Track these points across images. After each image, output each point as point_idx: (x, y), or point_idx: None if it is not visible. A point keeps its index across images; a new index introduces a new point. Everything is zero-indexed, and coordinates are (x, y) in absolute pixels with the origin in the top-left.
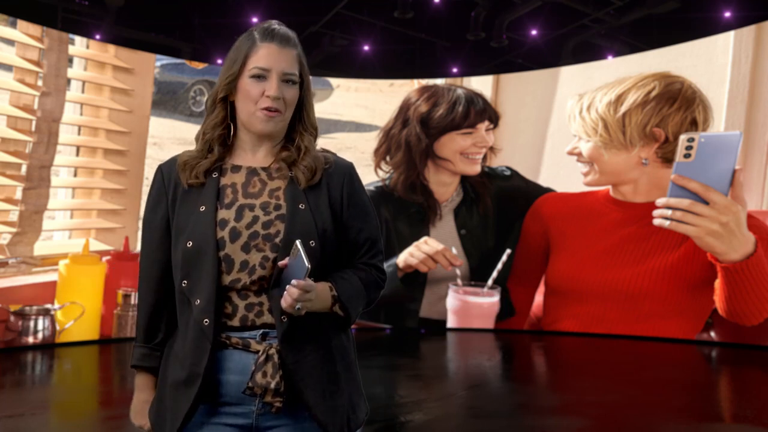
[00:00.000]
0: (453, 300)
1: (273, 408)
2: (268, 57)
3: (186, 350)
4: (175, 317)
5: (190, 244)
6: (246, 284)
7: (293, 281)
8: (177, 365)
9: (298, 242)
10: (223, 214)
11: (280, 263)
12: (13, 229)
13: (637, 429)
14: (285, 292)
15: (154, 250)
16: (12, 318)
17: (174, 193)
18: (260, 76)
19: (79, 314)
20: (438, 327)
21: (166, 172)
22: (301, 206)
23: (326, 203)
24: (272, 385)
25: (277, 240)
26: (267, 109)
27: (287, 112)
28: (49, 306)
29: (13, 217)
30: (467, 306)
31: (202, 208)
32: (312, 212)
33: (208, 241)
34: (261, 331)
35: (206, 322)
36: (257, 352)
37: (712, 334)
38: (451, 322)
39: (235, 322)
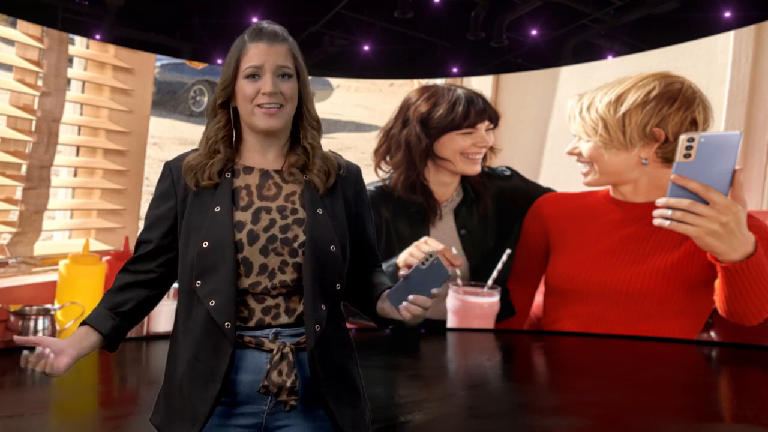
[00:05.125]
0: (453, 300)
1: (287, 407)
2: (258, 55)
3: (197, 350)
4: (147, 301)
5: (206, 244)
6: (267, 288)
7: (434, 290)
8: (185, 364)
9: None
10: (239, 216)
11: (401, 274)
12: (13, 229)
13: (637, 429)
14: (409, 303)
15: (155, 245)
16: (12, 318)
17: (185, 191)
18: (254, 75)
19: (79, 314)
20: (438, 327)
21: (175, 169)
22: (320, 211)
23: (342, 207)
24: (288, 384)
25: (296, 245)
26: (265, 105)
27: (288, 105)
28: (49, 306)
29: (13, 217)
30: (467, 306)
31: (217, 209)
32: (330, 217)
33: (226, 242)
34: (273, 329)
35: (228, 325)
36: (270, 350)
37: (712, 334)
38: (451, 322)
39: (251, 324)
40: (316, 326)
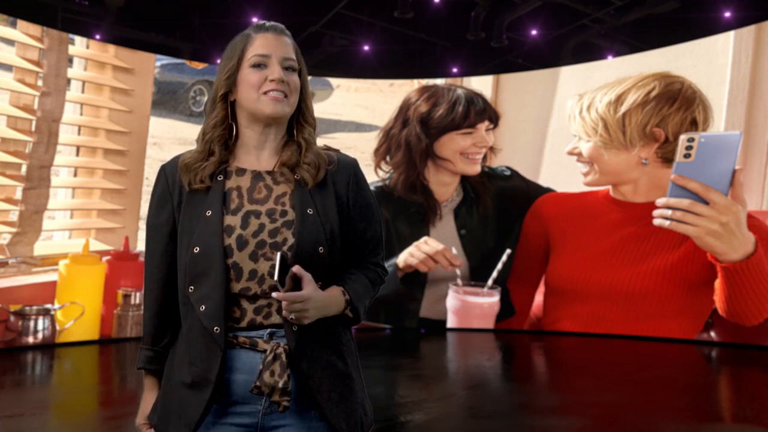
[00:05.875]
0: (453, 300)
1: (280, 407)
2: (266, 45)
3: (193, 354)
4: (177, 321)
5: (197, 249)
6: (257, 293)
7: (273, 294)
8: (183, 368)
9: (278, 254)
10: (229, 220)
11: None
12: (13, 229)
13: (637, 429)
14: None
15: (161, 253)
16: (12, 318)
17: (180, 195)
18: (261, 65)
19: (79, 314)
20: (438, 327)
21: (169, 173)
22: (309, 211)
23: (333, 204)
24: (280, 384)
25: (285, 248)
26: (273, 92)
27: (292, 97)
28: (49, 306)
29: (13, 217)
30: (467, 306)
31: (208, 213)
32: (320, 216)
33: (215, 248)
34: (268, 330)
35: (217, 330)
36: (264, 351)
37: (712, 334)
38: (451, 322)
39: (243, 324)
40: (293, 327)
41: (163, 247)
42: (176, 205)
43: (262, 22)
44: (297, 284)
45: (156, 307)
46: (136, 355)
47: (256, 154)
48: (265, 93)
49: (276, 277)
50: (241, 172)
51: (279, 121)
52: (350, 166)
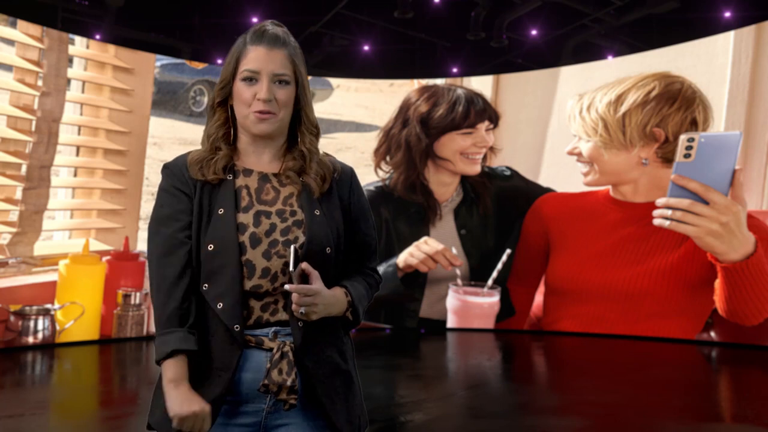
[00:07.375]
0: (453, 300)
1: (286, 405)
2: (257, 60)
3: (206, 350)
4: (196, 297)
5: (211, 247)
6: (269, 291)
7: (286, 286)
8: (193, 365)
9: (291, 247)
10: (241, 218)
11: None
12: (13, 229)
13: (637, 429)
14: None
15: (184, 234)
16: (12, 318)
17: (193, 188)
18: (251, 79)
19: (79, 314)
20: (438, 327)
21: (177, 170)
22: (317, 212)
23: (338, 209)
24: (288, 383)
25: (297, 245)
26: (259, 111)
27: (282, 112)
28: (49, 306)
29: (13, 217)
30: (467, 306)
31: (221, 211)
32: (327, 218)
33: (231, 245)
34: (273, 328)
35: (237, 327)
36: (270, 349)
37: (712, 334)
38: (451, 322)
39: (250, 323)
40: (299, 322)
41: (184, 227)
42: (193, 195)
43: (262, 27)
44: (305, 281)
45: (183, 284)
46: (136, 355)
47: (257, 158)
48: (254, 112)
49: (291, 268)
50: (248, 172)
51: (270, 135)
52: (349, 173)
